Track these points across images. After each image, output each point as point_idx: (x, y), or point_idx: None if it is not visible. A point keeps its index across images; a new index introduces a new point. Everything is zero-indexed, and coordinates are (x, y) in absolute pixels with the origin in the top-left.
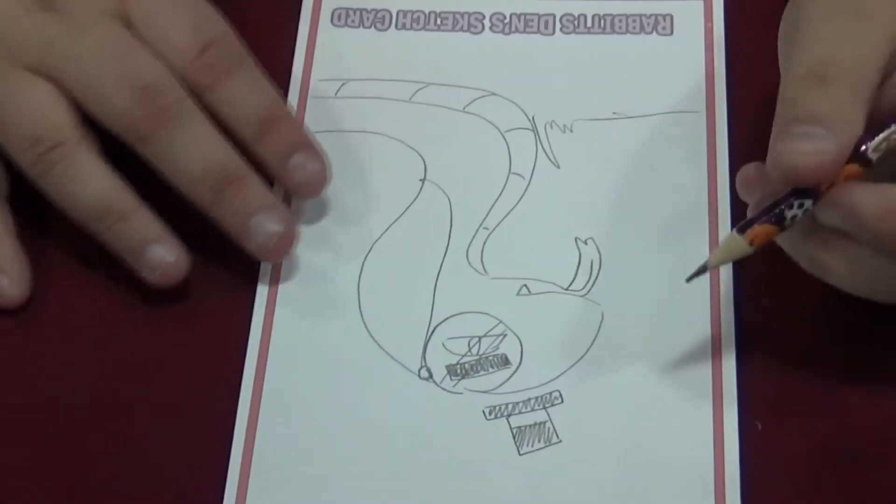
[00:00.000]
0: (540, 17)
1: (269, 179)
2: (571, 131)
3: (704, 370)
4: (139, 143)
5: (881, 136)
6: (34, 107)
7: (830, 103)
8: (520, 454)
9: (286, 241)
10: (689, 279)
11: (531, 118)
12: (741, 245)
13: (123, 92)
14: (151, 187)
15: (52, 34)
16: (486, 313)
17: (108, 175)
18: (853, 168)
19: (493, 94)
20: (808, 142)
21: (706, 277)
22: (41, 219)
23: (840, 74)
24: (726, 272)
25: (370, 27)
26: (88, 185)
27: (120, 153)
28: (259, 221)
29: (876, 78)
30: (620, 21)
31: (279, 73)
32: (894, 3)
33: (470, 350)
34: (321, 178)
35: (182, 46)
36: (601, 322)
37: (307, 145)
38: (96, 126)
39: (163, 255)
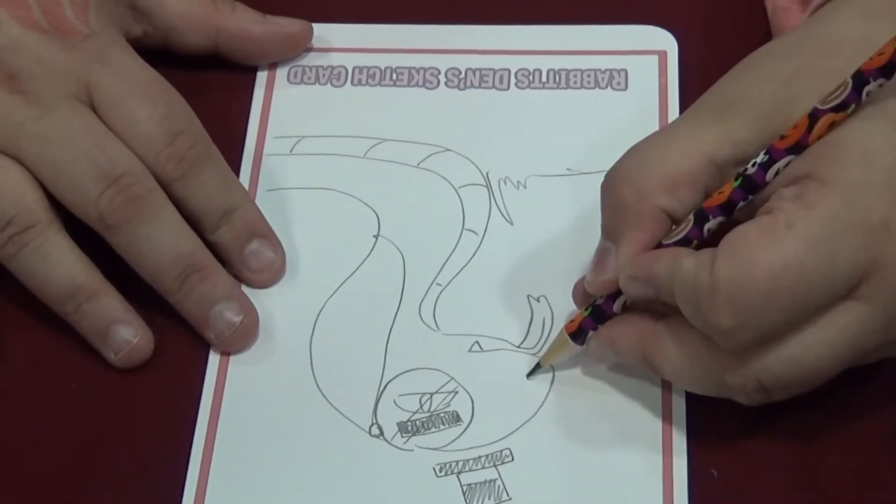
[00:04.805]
0: (495, 72)
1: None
2: (525, 187)
3: (655, 428)
4: (108, 232)
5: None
6: (6, 189)
7: (620, 219)
8: None
9: (246, 332)
10: (529, 375)
11: (485, 174)
12: (570, 343)
13: (95, 181)
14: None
15: (20, 116)
16: (437, 370)
17: (77, 255)
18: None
19: (448, 149)
20: (603, 262)
21: None
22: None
23: (626, 181)
24: None
25: (326, 84)
26: (58, 266)
27: (81, 228)
28: (220, 310)
29: (684, 183)
30: (575, 76)
31: (235, 130)
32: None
33: (421, 407)
34: (277, 267)
35: (151, 136)
36: (552, 380)
37: (265, 234)
38: (61, 205)
39: (127, 336)
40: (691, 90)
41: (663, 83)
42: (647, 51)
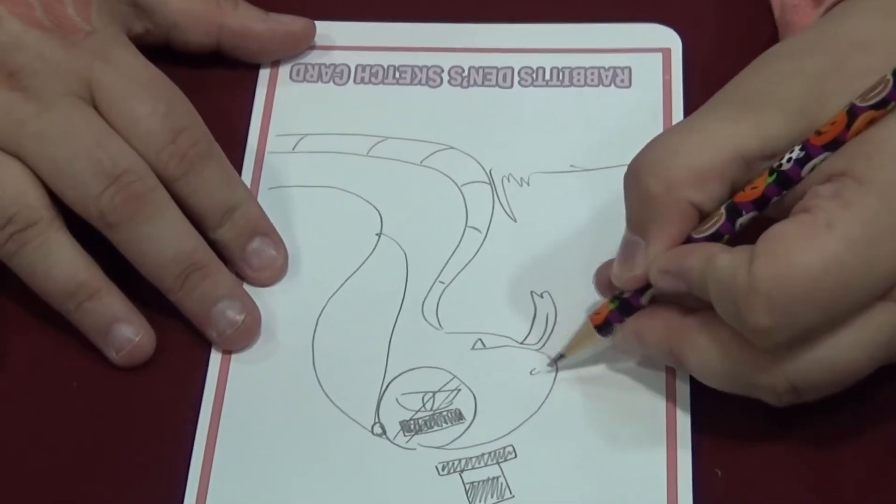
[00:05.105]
0: (498, 70)
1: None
2: (528, 184)
3: (659, 425)
4: (109, 230)
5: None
6: (7, 186)
7: (648, 213)
8: None
9: (248, 331)
10: (549, 364)
11: (488, 171)
12: (594, 335)
13: (97, 179)
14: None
15: (21, 114)
16: (440, 368)
17: (78, 253)
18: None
19: (451, 147)
20: (631, 257)
21: None
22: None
23: (654, 173)
24: None
25: (329, 82)
26: (59, 264)
27: (82, 225)
28: (221, 309)
29: (707, 180)
30: (579, 74)
31: (237, 127)
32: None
33: (424, 405)
34: (279, 266)
35: (152, 134)
36: (555, 376)
37: (267, 232)
38: (62, 203)
39: (128, 335)
40: (695, 88)
41: (667, 80)
42: (651, 48)
